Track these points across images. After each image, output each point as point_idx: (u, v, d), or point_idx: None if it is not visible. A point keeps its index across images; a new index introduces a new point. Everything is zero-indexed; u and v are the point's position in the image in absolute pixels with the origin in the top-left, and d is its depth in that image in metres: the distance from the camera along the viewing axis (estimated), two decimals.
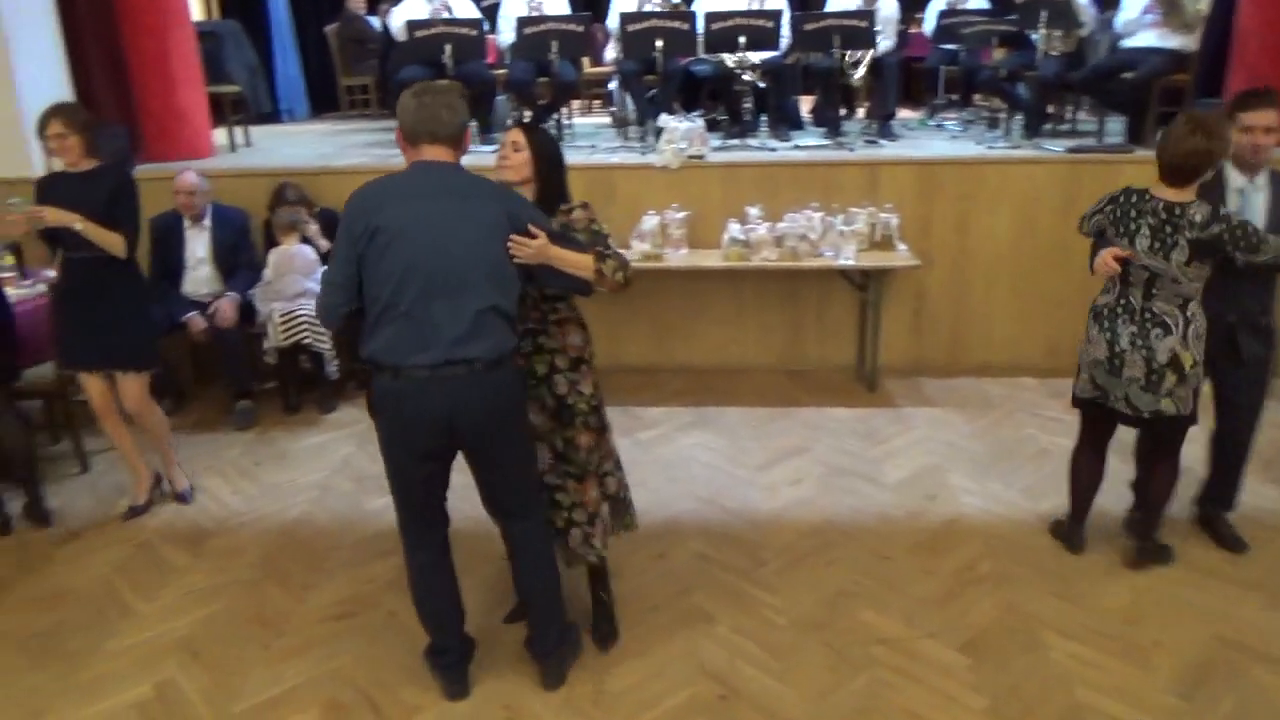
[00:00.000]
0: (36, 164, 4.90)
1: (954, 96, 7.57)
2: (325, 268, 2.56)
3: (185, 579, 3.45)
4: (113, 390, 3.81)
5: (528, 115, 6.68)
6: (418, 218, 2.42)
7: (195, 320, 4.78)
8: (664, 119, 5.38)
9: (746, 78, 6.13)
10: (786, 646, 3.00)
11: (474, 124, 6.46)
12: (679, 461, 4.29)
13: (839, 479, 4.10)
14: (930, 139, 6.37)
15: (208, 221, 4.99)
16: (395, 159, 5.84)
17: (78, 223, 3.45)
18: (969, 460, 4.24)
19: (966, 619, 3.12)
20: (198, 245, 5.01)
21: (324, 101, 9.41)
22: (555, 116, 6.71)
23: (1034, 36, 5.85)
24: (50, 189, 3.60)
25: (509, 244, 2.49)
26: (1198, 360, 3.10)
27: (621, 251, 2.87)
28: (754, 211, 5.07)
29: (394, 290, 2.41)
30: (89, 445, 4.40)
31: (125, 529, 3.82)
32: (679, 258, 5.04)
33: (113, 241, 3.55)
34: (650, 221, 5.00)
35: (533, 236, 2.50)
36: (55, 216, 3.44)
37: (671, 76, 6.24)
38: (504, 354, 2.53)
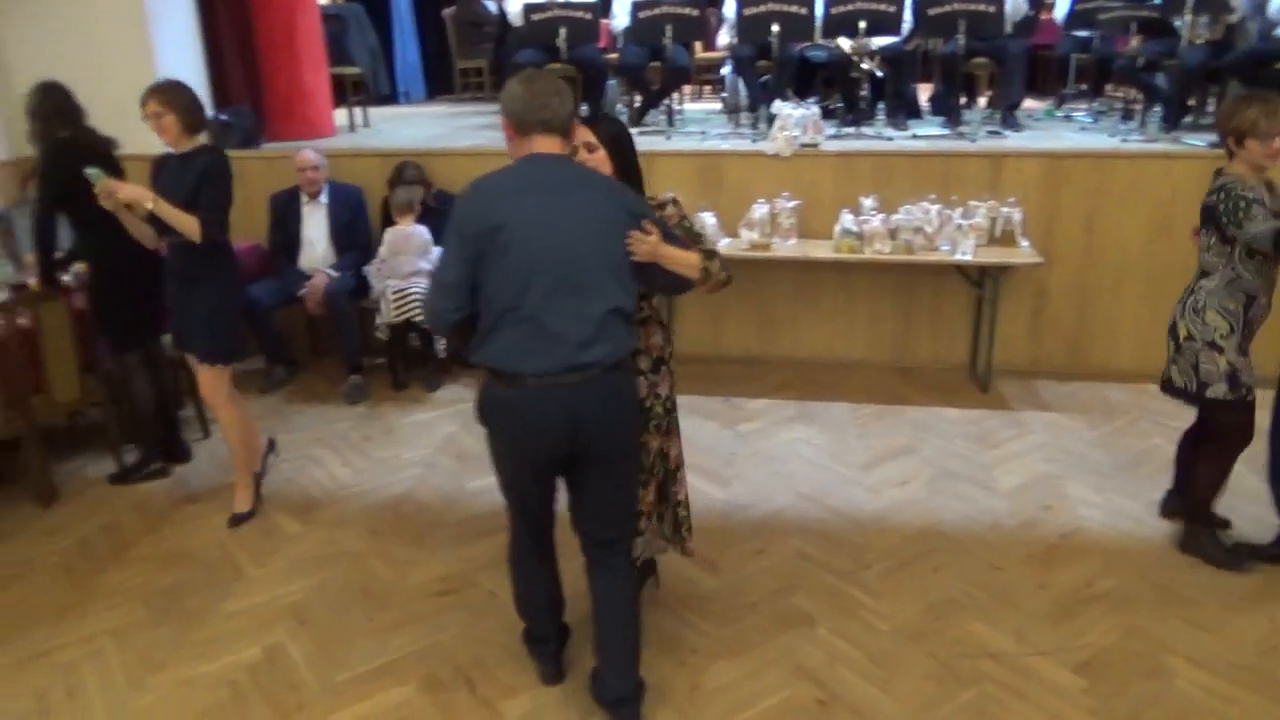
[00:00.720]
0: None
1: (1084, 86, 7.19)
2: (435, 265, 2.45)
3: (295, 547, 3.56)
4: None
5: (636, 101, 6.66)
6: (540, 215, 2.28)
7: (310, 293, 4.93)
8: (778, 105, 5.26)
9: (865, 66, 5.95)
10: (889, 654, 2.90)
11: (584, 108, 6.46)
12: (780, 456, 4.21)
13: (948, 482, 3.95)
14: (1058, 130, 6.06)
15: (324, 198, 5.13)
16: (502, 140, 5.89)
17: (149, 202, 3.38)
18: (1089, 470, 4.02)
19: (1083, 639, 2.96)
20: (314, 221, 5.16)
21: (440, 84, 9.58)
22: (666, 102, 6.66)
23: (1178, 23, 5.49)
24: (158, 170, 3.60)
25: (628, 241, 2.35)
26: (1194, 334, 3.17)
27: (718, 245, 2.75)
28: (868, 202, 4.91)
29: (516, 292, 2.26)
30: (210, 412, 4.58)
31: None
32: (788, 248, 4.93)
33: (187, 225, 3.40)
34: (760, 210, 4.90)
35: (647, 233, 2.38)
36: (129, 194, 3.39)
37: (787, 62, 6.11)
38: (624, 356, 2.41)
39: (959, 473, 4.03)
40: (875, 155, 5.14)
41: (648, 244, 2.38)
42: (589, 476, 2.48)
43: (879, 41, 5.96)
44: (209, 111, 5.66)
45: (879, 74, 6.11)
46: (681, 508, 2.97)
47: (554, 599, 2.79)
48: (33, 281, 4.09)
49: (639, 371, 2.72)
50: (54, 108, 3.77)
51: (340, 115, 6.76)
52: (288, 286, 5.03)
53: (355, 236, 5.19)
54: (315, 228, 5.16)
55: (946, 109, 6.17)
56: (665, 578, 3.28)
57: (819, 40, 6.09)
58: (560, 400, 2.32)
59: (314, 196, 5.11)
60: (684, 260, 2.50)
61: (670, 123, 6.22)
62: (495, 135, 6.17)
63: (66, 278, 4.11)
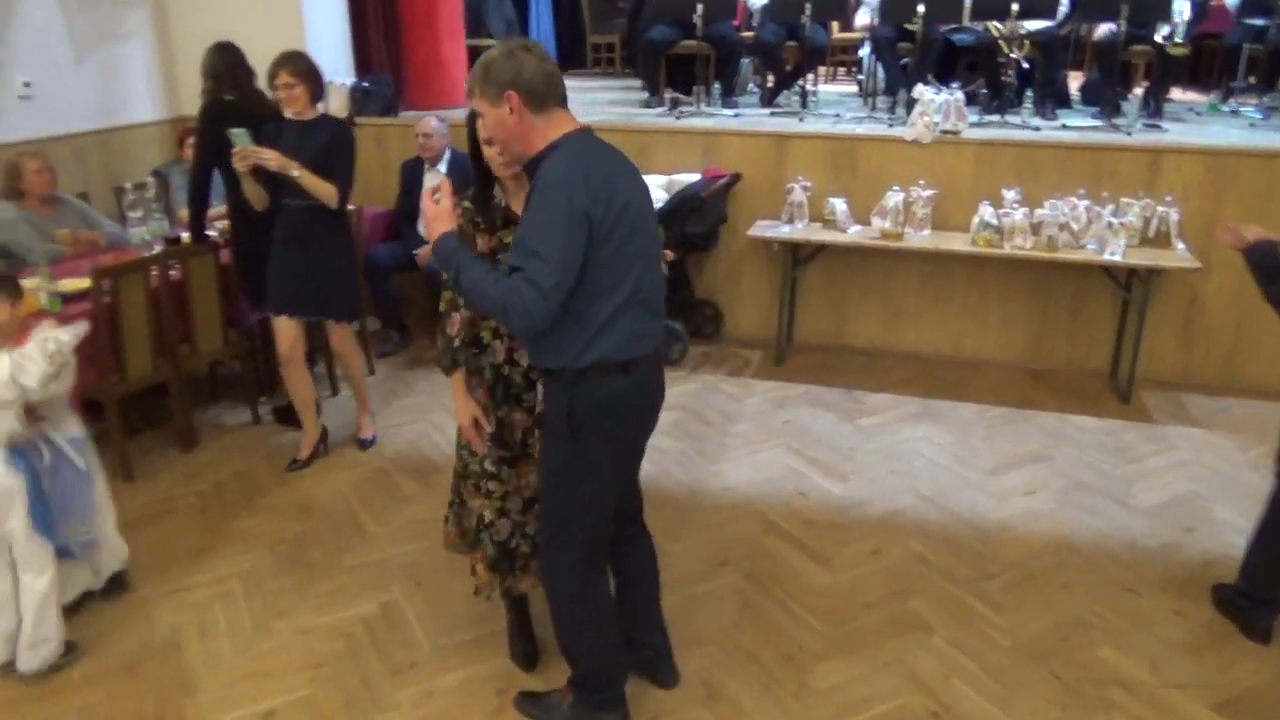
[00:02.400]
0: None
1: (1253, 79, 6.66)
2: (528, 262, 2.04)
3: (413, 508, 3.65)
4: (303, 341, 3.93)
5: (769, 81, 6.52)
6: (640, 192, 2.20)
7: (421, 255, 5.03)
8: (919, 89, 5.06)
9: (1014, 54, 5.66)
10: (1010, 671, 2.77)
11: (717, 86, 6.37)
12: (901, 454, 4.07)
13: (1081, 495, 3.74)
14: (1223, 126, 5.63)
15: (444, 166, 5.20)
16: (638, 116, 5.87)
17: (294, 169, 3.54)
18: (1239, 493, 3.74)
19: (1226, 675, 2.75)
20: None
21: (571, 58, 9.61)
22: (800, 82, 6.49)
23: None
24: (277, 135, 3.70)
25: None
26: None
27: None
28: (1010, 195, 4.68)
29: (637, 277, 2.14)
30: (337, 370, 4.73)
31: (364, 454, 4.09)
32: (921, 238, 4.75)
33: (326, 192, 3.61)
34: (894, 198, 4.73)
35: None
36: (278, 162, 3.54)
37: (930, 44, 5.88)
38: None
39: (1093, 486, 3.81)
40: (1020, 145, 4.89)
41: None
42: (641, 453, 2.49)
43: (1030, 25, 5.66)
44: (351, 79, 5.85)
45: (1026, 63, 5.82)
46: None
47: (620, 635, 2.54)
48: (185, 236, 4.30)
49: None
50: (226, 68, 3.93)
51: None
52: (407, 249, 5.16)
53: None
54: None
55: (1100, 98, 5.81)
56: (776, 569, 3.22)
57: (966, 22, 5.82)
58: (659, 375, 2.31)
59: (433, 164, 5.20)
60: None
61: (804, 104, 6.06)
62: (624, 111, 6.16)
63: (212, 233, 4.30)
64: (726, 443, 4.16)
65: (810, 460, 4.00)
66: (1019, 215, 4.56)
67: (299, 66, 3.64)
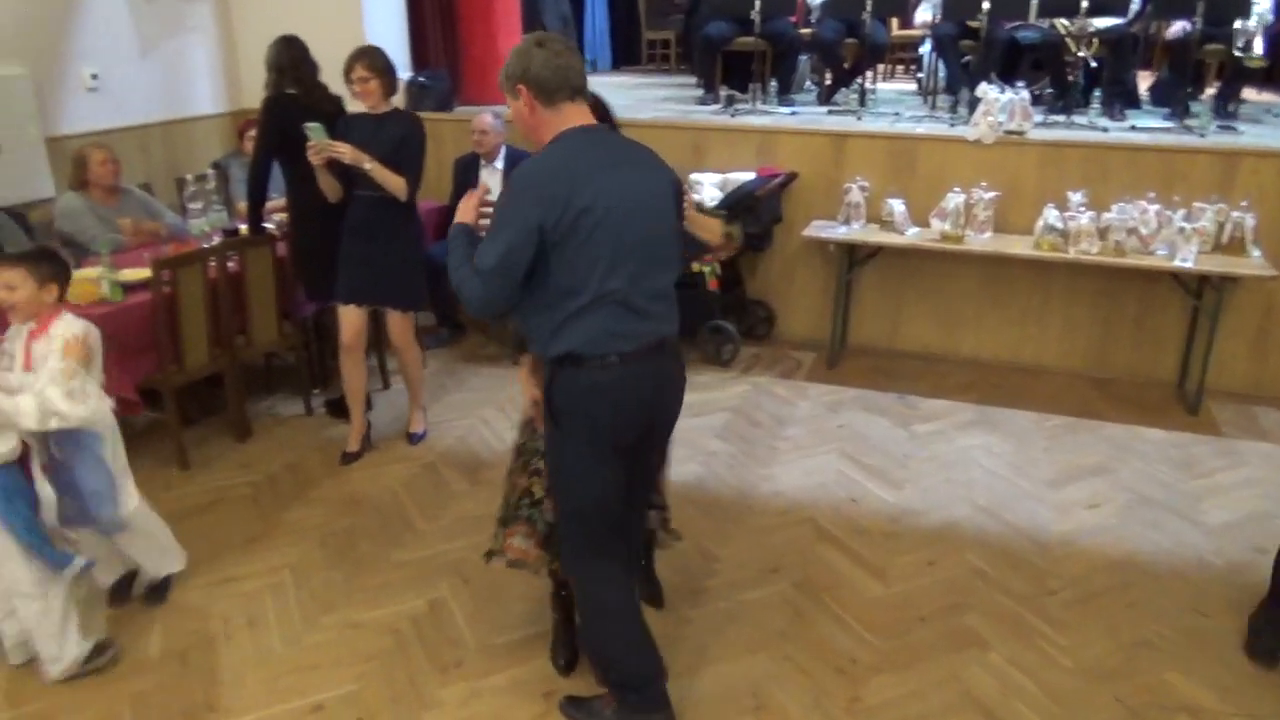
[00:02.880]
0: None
1: None
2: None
3: (461, 504, 3.64)
4: (366, 331, 3.96)
5: (827, 78, 6.42)
6: (620, 191, 2.14)
7: None
8: (983, 88, 4.93)
9: (1082, 53, 5.49)
10: (1071, 693, 2.67)
11: (774, 84, 6.28)
12: (958, 462, 3.97)
13: (1146, 510, 3.61)
14: None
15: (500, 163, 5.19)
16: (693, 114, 5.81)
17: (367, 163, 3.60)
18: None
19: None
20: (490, 184, 5.23)
21: (626, 54, 9.58)
22: (858, 80, 6.38)
23: None
24: (349, 128, 3.76)
25: (684, 208, 2.35)
26: None
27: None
28: (1076, 197, 4.54)
29: (603, 275, 2.13)
30: (390, 364, 4.76)
31: (415, 448, 4.10)
32: (982, 242, 4.63)
33: (396, 184, 3.67)
34: (954, 199, 4.62)
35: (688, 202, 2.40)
36: (351, 155, 3.58)
37: (995, 42, 5.74)
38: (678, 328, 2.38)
39: (1159, 501, 3.68)
40: (1087, 147, 4.74)
41: (691, 209, 2.39)
42: (648, 453, 2.46)
43: (1100, 22, 5.48)
44: (408, 74, 5.87)
45: (1094, 62, 5.64)
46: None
47: (649, 632, 2.47)
48: (243, 228, 4.34)
49: None
50: (290, 61, 3.96)
51: None
52: None
53: None
54: (491, 191, 5.24)
55: (1172, 99, 5.62)
56: (827, 578, 3.16)
57: (1032, 20, 5.67)
58: (648, 376, 2.26)
59: (489, 160, 5.18)
60: (712, 227, 2.55)
61: (862, 103, 5.95)
62: (680, 108, 6.10)
63: (269, 226, 4.34)
64: (777, 446, 4.09)
65: (863, 466, 3.92)
66: (1085, 219, 4.42)
67: (375, 61, 3.69)
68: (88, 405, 2.60)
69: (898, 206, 4.78)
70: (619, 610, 2.41)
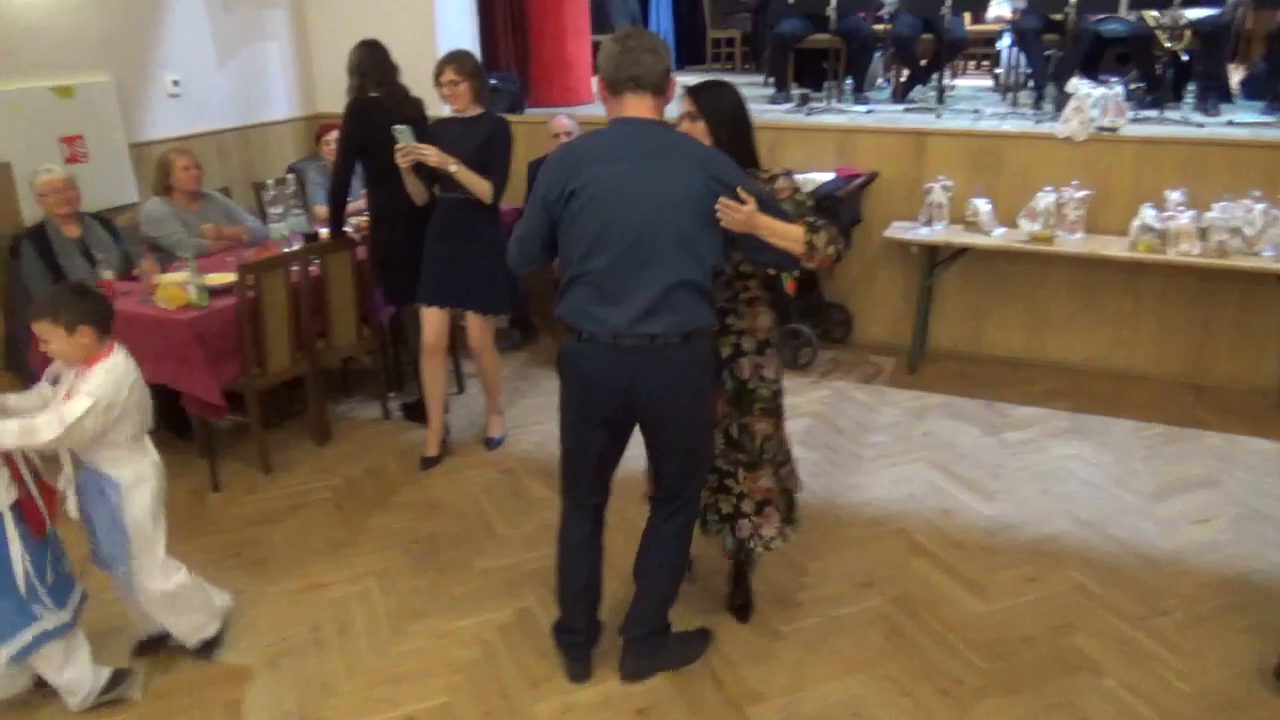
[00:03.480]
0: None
1: None
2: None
3: (543, 512, 3.59)
4: (448, 333, 3.95)
5: (903, 75, 6.27)
6: (613, 181, 2.26)
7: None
8: (1075, 83, 4.74)
9: (1173, 45, 5.28)
10: None
11: (849, 81, 6.16)
12: (1054, 473, 3.81)
13: (1259, 526, 3.43)
14: None
15: None
16: (767, 113, 5.70)
17: (452, 165, 3.59)
18: None
19: None
20: None
21: (690, 53, 9.50)
22: (935, 76, 6.23)
23: None
24: (439, 131, 3.76)
25: (717, 209, 2.27)
26: None
27: (829, 225, 2.48)
28: (1175, 196, 4.34)
29: (584, 255, 2.30)
30: (466, 369, 4.74)
31: (493, 453, 4.07)
32: (1074, 242, 4.45)
33: (481, 187, 3.67)
34: (1045, 199, 4.45)
35: (742, 202, 2.27)
36: (437, 158, 3.57)
37: (1082, 35, 5.55)
38: (695, 330, 2.35)
39: (1273, 516, 3.49)
40: (1185, 143, 4.53)
41: (741, 213, 2.26)
42: (650, 441, 2.54)
43: (1193, 14, 5.27)
44: None
45: (1185, 54, 5.42)
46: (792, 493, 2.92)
47: (591, 587, 2.67)
48: (323, 231, 4.36)
49: (742, 352, 2.69)
50: (373, 65, 3.96)
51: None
52: None
53: None
54: None
55: (1270, 91, 5.37)
56: (925, 594, 3.05)
57: (1122, 12, 5.46)
58: (623, 363, 2.34)
59: None
60: (786, 232, 2.38)
61: (940, 99, 5.79)
62: (750, 107, 5.99)
63: (347, 229, 4.34)
64: (863, 454, 3.98)
65: (954, 476, 3.79)
66: (1185, 219, 4.23)
67: (464, 65, 3.69)
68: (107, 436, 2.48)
69: (984, 206, 4.63)
70: (564, 550, 2.64)
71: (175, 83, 5.08)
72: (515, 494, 3.74)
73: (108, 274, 3.86)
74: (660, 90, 2.35)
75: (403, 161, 3.60)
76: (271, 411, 4.31)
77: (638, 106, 2.32)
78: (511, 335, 5.32)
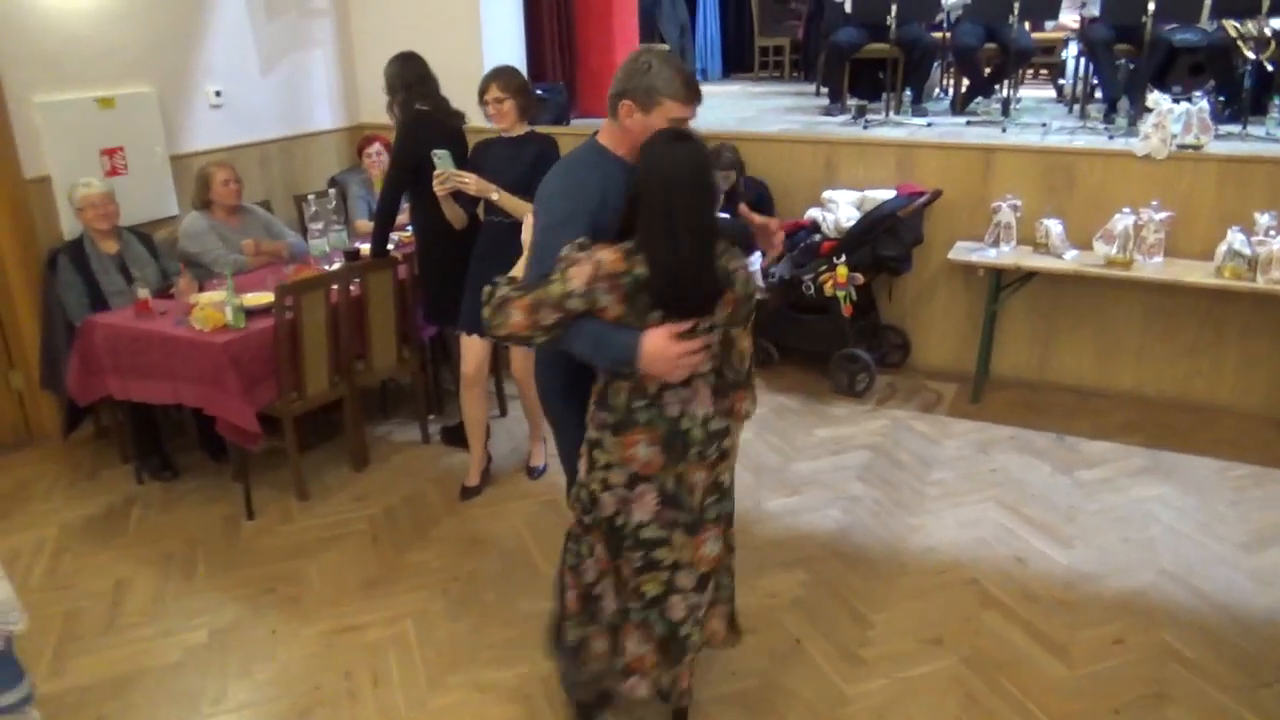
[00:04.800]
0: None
1: None
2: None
3: None
4: (489, 362, 3.76)
5: (963, 85, 6.02)
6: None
7: None
8: (1155, 98, 4.47)
9: (1257, 55, 4.98)
10: None
11: (907, 93, 5.93)
12: (1133, 517, 3.56)
13: None
14: None
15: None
16: (821, 125, 5.50)
17: (494, 193, 3.40)
18: None
19: None
20: None
21: (736, 62, 9.31)
22: (997, 87, 5.98)
23: None
24: (484, 152, 3.58)
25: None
26: None
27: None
28: (1265, 219, 4.06)
29: None
30: (508, 390, 4.58)
31: (535, 483, 3.90)
32: (1153, 267, 4.18)
33: (524, 210, 3.46)
34: (1123, 221, 4.19)
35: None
36: (478, 186, 3.40)
37: (1159, 45, 5.27)
38: None
39: None
40: (1274, 162, 4.24)
41: None
42: None
43: (1278, 23, 4.98)
44: None
45: (1270, 65, 5.12)
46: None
47: None
48: (364, 248, 4.22)
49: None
50: (415, 77, 3.81)
51: None
52: None
53: None
54: None
55: None
56: (1000, 653, 2.81)
57: (1203, 21, 5.18)
58: None
59: None
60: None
61: (1005, 112, 5.54)
62: (804, 119, 5.79)
63: (389, 246, 4.19)
64: (925, 492, 3.75)
65: (1025, 519, 3.55)
66: (1277, 244, 3.95)
67: (509, 81, 3.49)
68: None
69: (1055, 227, 4.38)
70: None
71: (217, 93, 4.99)
72: (559, 529, 3.50)
73: (144, 292, 3.75)
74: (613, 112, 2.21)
75: (440, 190, 3.42)
76: (307, 433, 4.18)
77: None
78: None
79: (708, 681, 2.70)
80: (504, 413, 4.53)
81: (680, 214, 2.00)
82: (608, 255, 2.01)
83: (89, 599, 3.19)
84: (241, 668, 2.85)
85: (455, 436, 4.22)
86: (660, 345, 2.00)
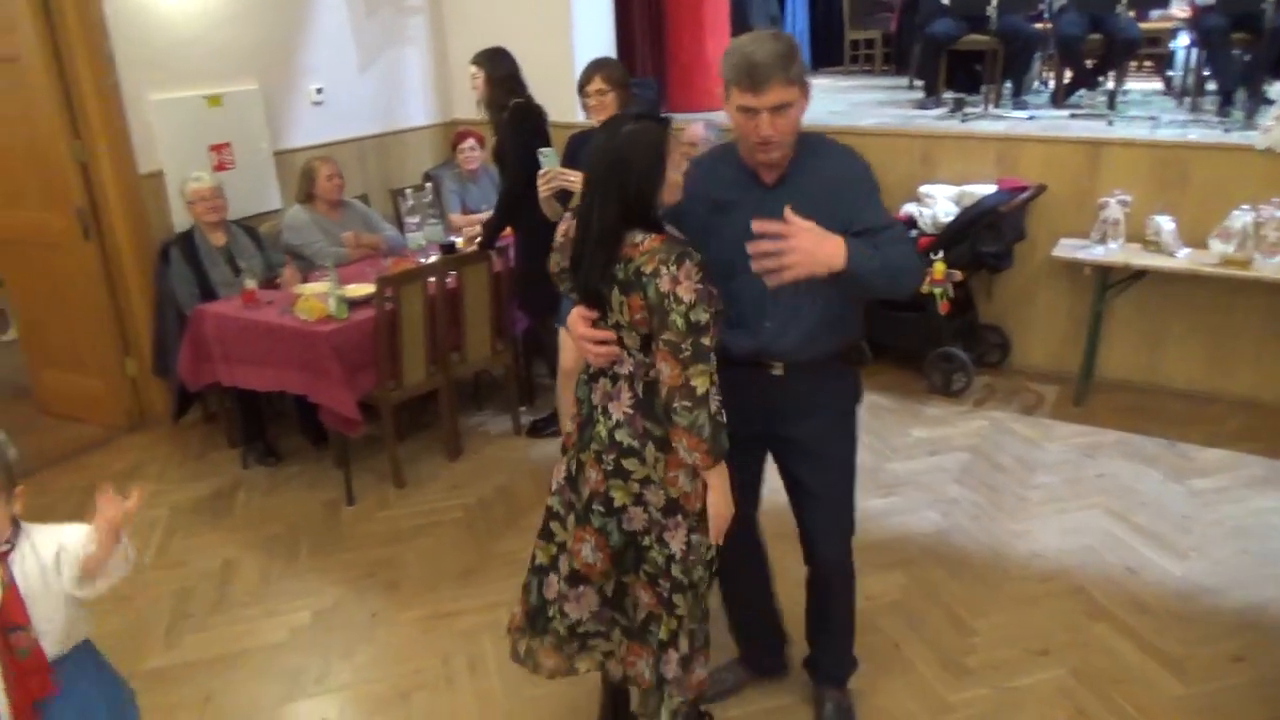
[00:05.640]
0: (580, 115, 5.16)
1: None
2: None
3: None
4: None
5: (1065, 76, 5.81)
6: None
7: None
8: (1279, 89, 4.25)
9: None
10: None
11: (1008, 85, 5.77)
12: (1253, 529, 3.38)
13: None
14: None
15: None
16: (917, 119, 5.37)
17: None
18: None
19: None
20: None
21: (825, 55, 9.16)
22: (1101, 79, 5.77)
23: None
24: (578, 146, 3.55)
25: None
26: None
27: None
28: None
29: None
30: None
31: None
32: (1273, 267, 3.97)
33: None
34: (1242, 218, 3.99)
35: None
36: (579, 185, 3.38)
37: (1277, 34, 4.99)
38: None
39: None
40: None
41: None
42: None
43: None
44: None
45: None
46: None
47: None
48: (460, 240, 4.26)
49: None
50: (508, 73, 3.85)
51: None
52: None
53: None
54: None
55: None
56: (1111, 668, 2.71)
57: None
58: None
59: None
60: None
61: (1111, 105, 5.34)
62: (899, 113, 5.67)
63: (458, 239, 4.22)
64: (1028, 496, 3.64)
65: (1135, 528, 3.41)
66: None
67: (613, 74, 3.49)
68: None
69: (1166, 225, 4.19)
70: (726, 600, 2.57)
71: (318, 90, 5.12)
72: None
73: (251, 282, 3.87)
74: None
75: (545, 189, 3.42)
76: (403, 423, 4.26)
77: None
78: None
79: (805, 681, 2.66)
80: None
81: (598, 192, 1.94)
82: None
83: (199, 578, 3.31)
84: (343, 649, 2.92)
85: (542, 429, 4.26)
86: (572, 321, 2.08)
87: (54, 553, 1.81)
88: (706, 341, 1.90)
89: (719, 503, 2.03)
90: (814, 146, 2.14)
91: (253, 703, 2.72)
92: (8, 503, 1.78)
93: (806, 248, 1.87)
